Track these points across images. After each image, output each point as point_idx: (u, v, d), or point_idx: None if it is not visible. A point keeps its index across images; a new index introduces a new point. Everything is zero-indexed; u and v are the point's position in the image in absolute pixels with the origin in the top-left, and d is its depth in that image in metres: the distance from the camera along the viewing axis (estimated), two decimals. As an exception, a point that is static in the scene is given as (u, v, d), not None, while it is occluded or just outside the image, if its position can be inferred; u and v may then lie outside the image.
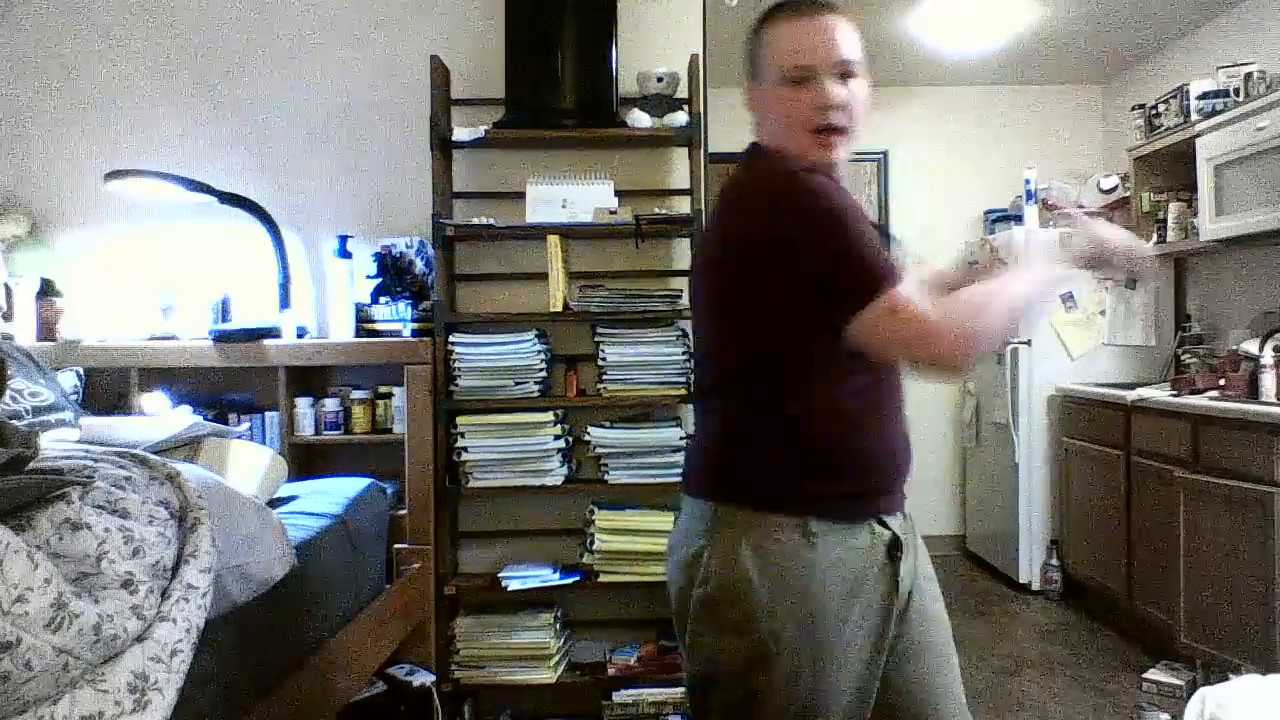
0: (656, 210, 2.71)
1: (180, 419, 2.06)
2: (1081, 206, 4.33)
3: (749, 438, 1.27)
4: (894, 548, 1.26)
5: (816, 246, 1.18)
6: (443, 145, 2.70)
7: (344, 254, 2.74)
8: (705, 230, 1.59)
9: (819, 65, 1.25)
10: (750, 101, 1.35)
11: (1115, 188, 4.26)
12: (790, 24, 1.28)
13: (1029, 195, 4.29)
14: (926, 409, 4.93)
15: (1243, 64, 3.46)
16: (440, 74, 2.71)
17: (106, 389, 2.62)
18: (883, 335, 1.17)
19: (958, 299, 1.23)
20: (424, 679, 2.40)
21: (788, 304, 1.20)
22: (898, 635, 1.28)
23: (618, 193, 2.72)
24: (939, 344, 1.16)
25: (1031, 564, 4.21)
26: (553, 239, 2.64)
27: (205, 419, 2.18)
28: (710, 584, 1.22)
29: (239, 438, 2.20)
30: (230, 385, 2.79)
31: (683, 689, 1.55)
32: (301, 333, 2.77)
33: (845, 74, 1.27)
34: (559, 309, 2.64)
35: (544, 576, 2.66)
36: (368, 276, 2.79)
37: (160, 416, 2.31)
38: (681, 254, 2.88)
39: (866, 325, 1.16)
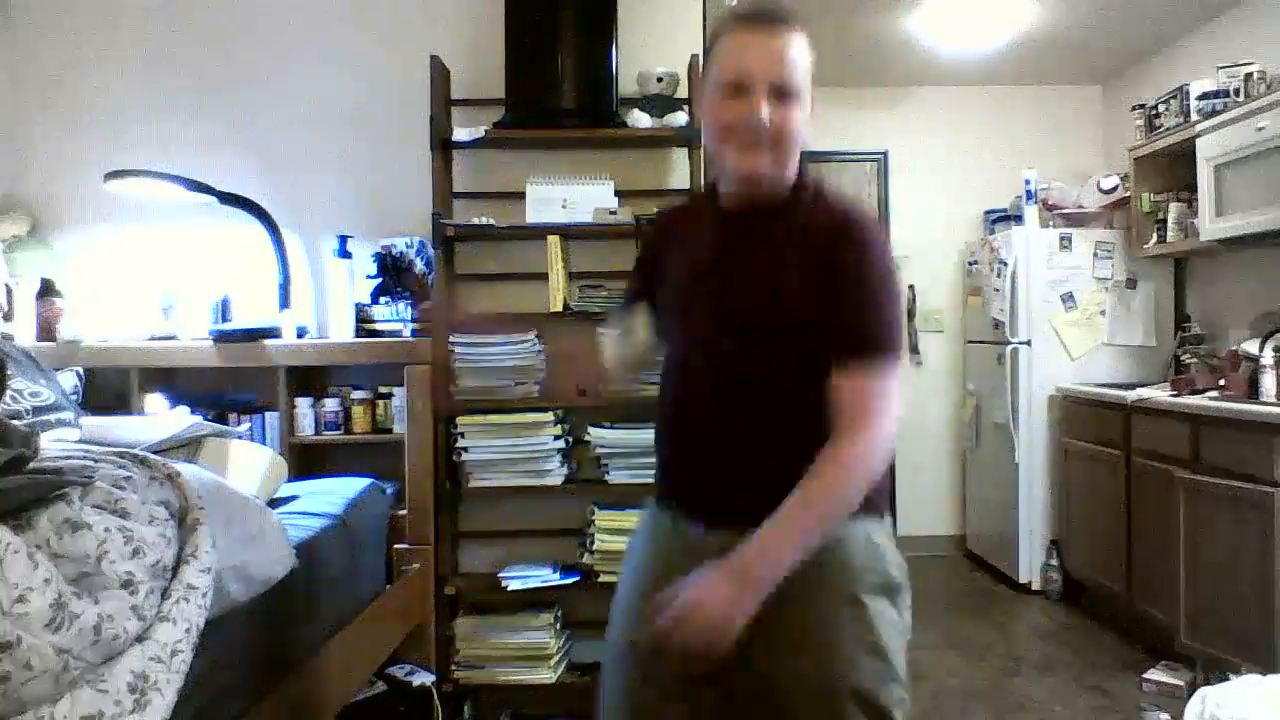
0: (656, 210, 2.70)
1: (180, 419, 2.06)
2: (1082, 207, 4.33)
3: None
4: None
5: None
6: (443, 145, 2.70)
7: (344, 254, 2.74)
8: None
9: (754, 81, 1.25)
10: (697, 95, 1.38)
11: (1115, 188, 4.26)
12: (740, 35, 1.29)
13: (1029, 195, 4.29)
14: (927, 409, 4.93)
15: (1243, 64, 3.46)
16: (440, 74, 2.71)
17: (106, 389, 2.62)
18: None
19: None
20: (424, 679, 2.39)
21: None
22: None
23: (618, 193, 2.72)
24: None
25: (1031, 564, 4.20)
26: (553, 239, 2.63)
27: (205, 419, 2.18)
28: None
29: (239, 438, 2.20)
30: (230, 385, 2.79)
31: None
32: (301, 333, 2.77)
33: (781, 95, 1.26)
34: (559, 309, 2.64)
35: (544, 576, 2.66)
36: (368, 276, 2.79)
37: (159, 416, 2.30)
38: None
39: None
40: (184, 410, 2.40)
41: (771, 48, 1.26)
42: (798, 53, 1.27)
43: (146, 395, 2.50)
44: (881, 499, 1.34)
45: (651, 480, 2.63)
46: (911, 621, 1.34)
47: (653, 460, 2.68)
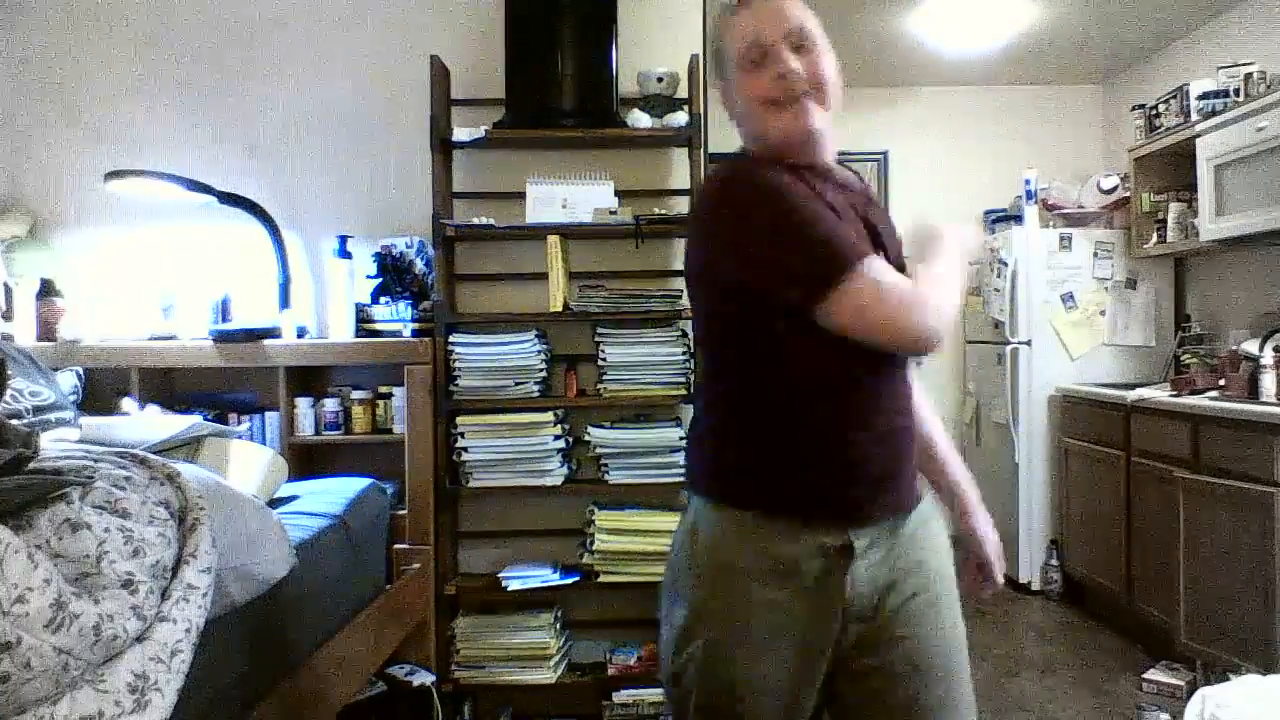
0: (656, 210, 2.71)
1: (180, 419, 2.06)
2: (1082, 207, 4.33)
3: None
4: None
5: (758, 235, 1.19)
6: (443, 145, 2.70)
7: (344, 254, 2.74)
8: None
9: (771, 40, 1.23)
10: (723, 101, 1.34)
11: (1115, 188, 4.26)
12: (742, 12, 1.28)
13: (1029, 195, 4.29)
14: (926, 409, 4.92)
15: (1243, 64, 3.46)
16: (440, 74, 2.71)
17: (106, 389, 2.62)
18: (866, 310, 1.14)
19: (921, 277, 1.23)
20: (424, 679, 2.39)
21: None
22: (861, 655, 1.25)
23: (618, 193, 2.72)
24: (923, 315, 1.15)
25: (1031, 564, 4.21)
26: (553, 239, 2.64)
27: (205, 419, 2.18)
28: None
29: (239, 438, 2.20)
30: (230, 385, 2.79)
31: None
32: (301, 333, 2.77)
33: (799, 46, 1.23)
34: (559, 309, 2.64)
35: (544, 576, 2.66)
36: (368, 276, 2.79)
37: (144, 415, 2.30)
38: (681, 254, 2.87)
39: (844, 302, 1.13)
40: (152, 410, 2.38)
41: (774, 7, 1.26)
42: (802, 8, 1.27)
43: (125, 399, 2.49)
44: None
45: (651, 480, 2.60)
46: None
47: (653, 460, 2.65)
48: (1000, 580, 1.52)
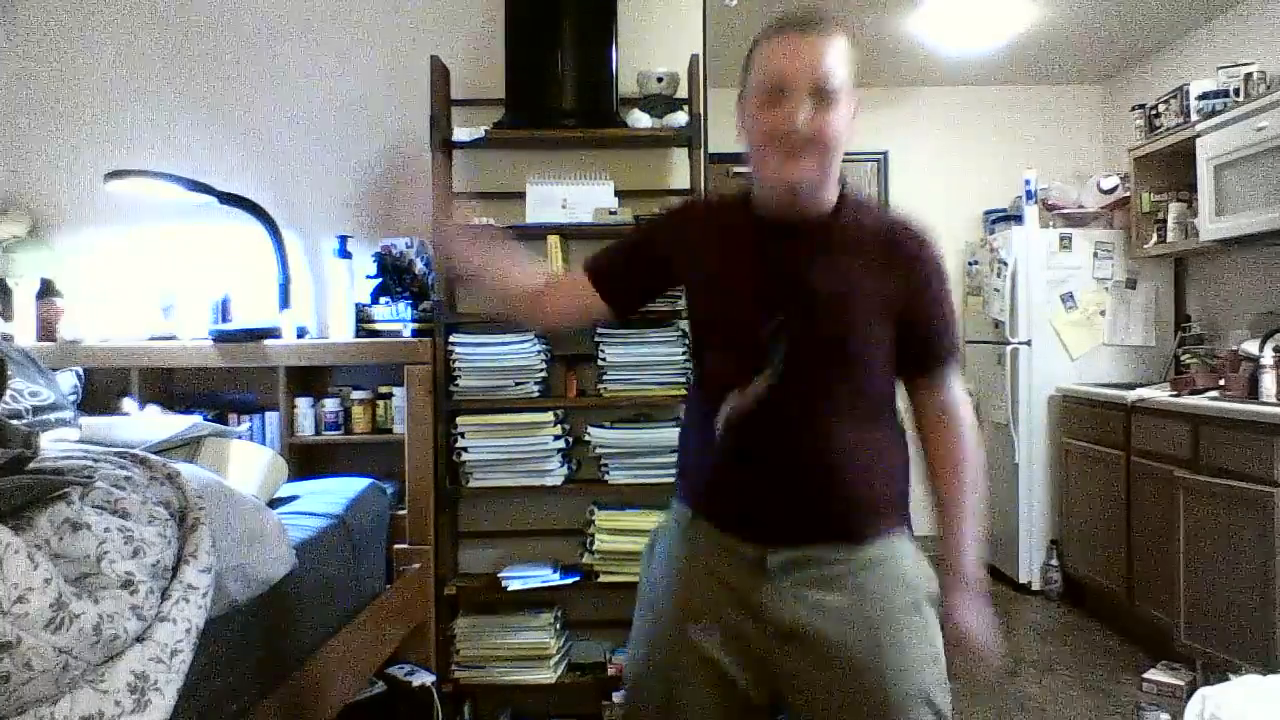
0: (656, 210, 2.70)
1: (180, 419, 2.06)
2: (1082, 207, 4.33)
3: None
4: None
5: None
6: (443, 145, 2.70)
7: (344, 254, 2.74)
8: None
9: (793, 84, 1.23)
10: (737, 110, 1.35)
11: (1115, 188, 4.26)
12: (778, 40, 1.26)
13: (1029, 195, 4.29)
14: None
15: (1243, 64, 3.46)
16: (440, 74, 2.71)
17: (106, 389, 2.62)
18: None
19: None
20: (424, 679, 2.40)
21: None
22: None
23: (618, 193, 2.72)
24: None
25: (1031, 564, 4.21)
26: (553, 239, 2.64)
27: (205, 419, 2.18)
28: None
29: (239, 438, 2.20)
30: (230, 385, 2.79)
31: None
32: (301, 333, 2.76)
33: (822, 99, 1.23)
34: (559, 309, 2.63)
35: (544, 576, 2.66)
36: (368, 276, 2.79)
37: (144, 415, 2.30)
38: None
39: None
40: (152, 410, 2.39)
41: (809, 51, 1.24)
42: (837, 55, 1.25)
43: (122, 398, 2.49)
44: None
45: (651, 480, 2.64)
46: None
47: (653, 460, 2.69)
48: (990, 660, 1.35)
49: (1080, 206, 4.34)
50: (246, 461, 2.01)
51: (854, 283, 1.29)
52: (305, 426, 2.69)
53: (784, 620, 1.28)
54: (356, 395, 2.73)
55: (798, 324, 1.27)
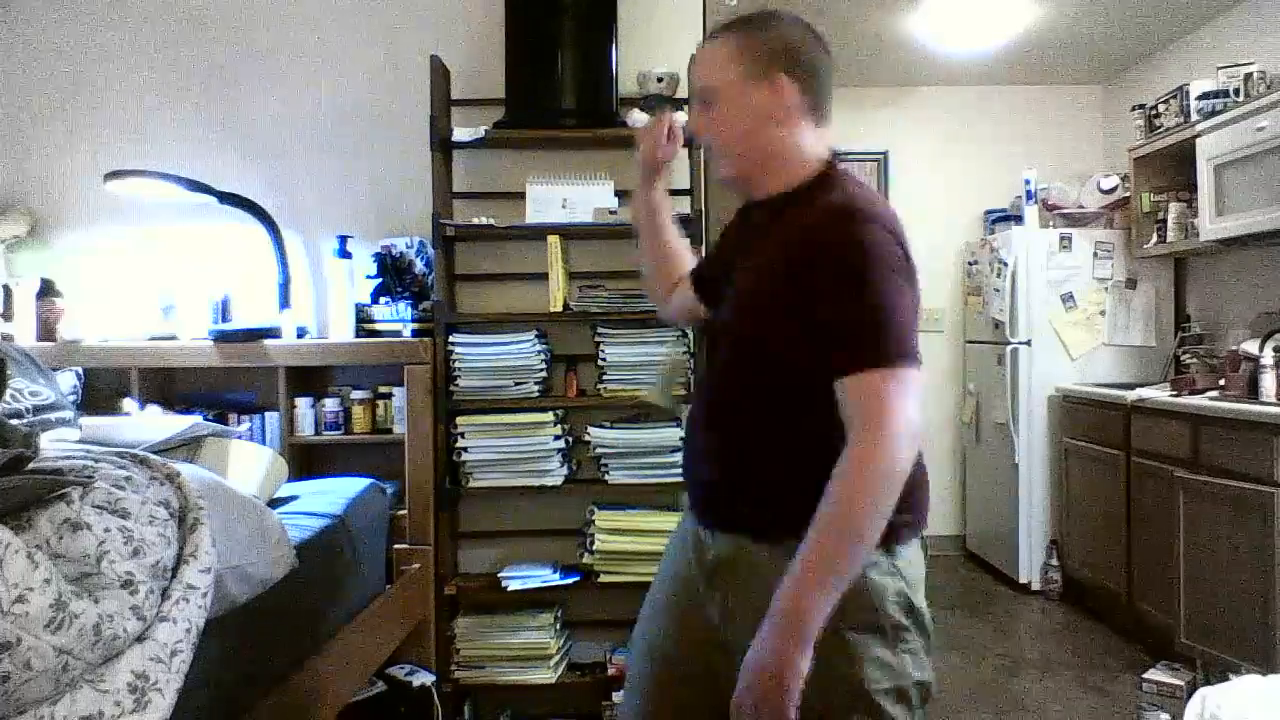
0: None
1: (180, 419, 2.06)
2: (1082, 207, 4.33)
3: None
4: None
5: None
6: (443, 145, 2.70)
7: (344, 254, 2.74)
8: None
9: (691, 93, 1.40)
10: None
11: (1115, 188, 4.26)
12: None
13: (1029, 195, 4.29)
14: (926, 410, 4.91)
15: (1243, 64, 3.46)
16: (440, 74, 2.71)
17: (106, 389, 2.62)
18: None
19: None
20: (424, 679, 2.40)
21: None
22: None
23: (618, 193, 2.72)
24: None
25: (1031, 564, 4.20)
26: (553, 239, 2.64)
27: (205, 419, 2.18)
28: None
29: (239, 438, 2.20)
30: (230, 385, 2.79)
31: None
32: (301, 333, 2.77)
33: (701, 100, 1.34)
34: (559, 309, 2.64)
35: (544, 576, 2.65)
36: (368, 276, 2.79)
37: (144, 415, 2.30)
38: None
39: None
40: (155, 409, 2.39)
41: (697, 61, 1.36)
42: (714, 54, 1.32)
43: (122, 398, 2.50)
44: (892, 527, 1.17)
45: (651, 480, 2.67)
46: (925, 664, 1.25)
47: (653, 460, 2.72)
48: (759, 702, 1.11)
49: (1080, 206, 4.33)
50: (246, 461, 2.01)
51: (764, 278, 1.26)
52: (305, 426, 2.69)
53: (714, 618, 1.31)
54: (356, 395, 2.73)
55: (717, 316, 1.38)
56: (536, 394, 2.67)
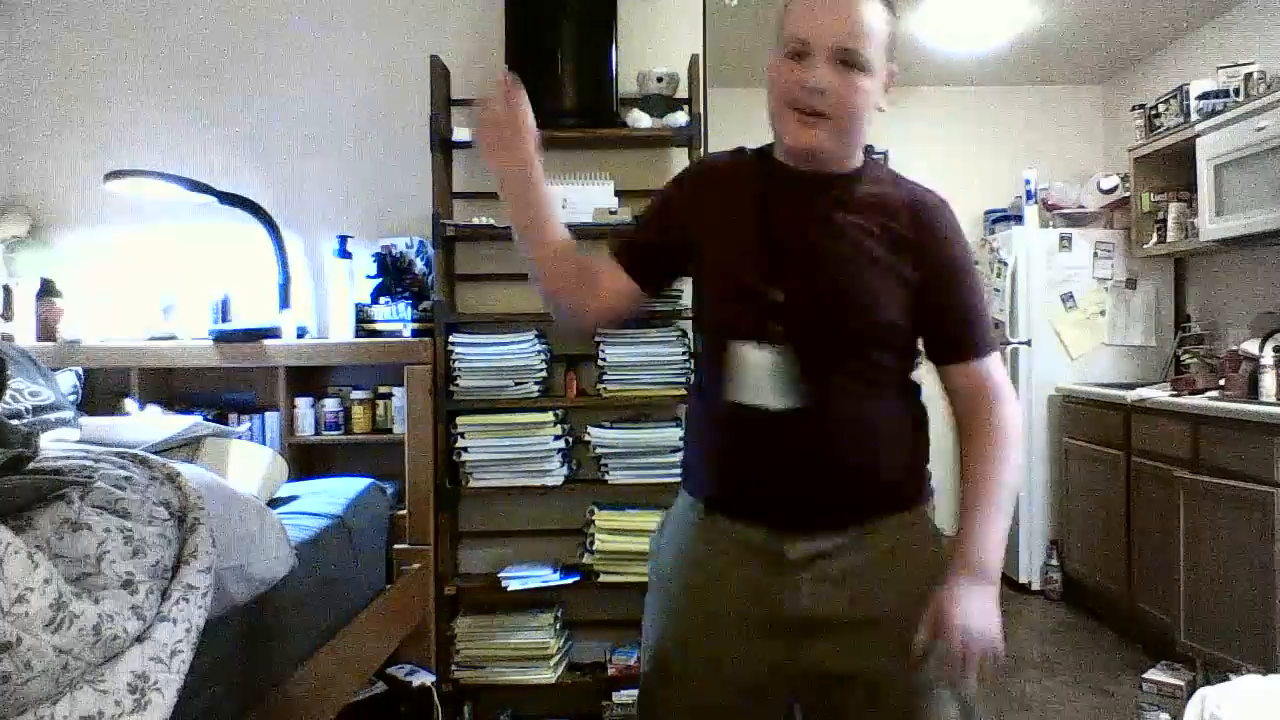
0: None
1: (180, 419, 2.06)
2: (1082, 207, 4.33)
3: None
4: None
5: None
6: (443, 145, 2.70)
7: (344, 254, 2.74)
8: None
9: (816, 43, 1.17)
10: (768, 61, 1.28)
11: (1115, 188, 4.26)
12: None
13: (1029, 195, 4.29)
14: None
15: (1243, 64, 3.46)
16: (440, 74, 2.71)
17: (106, 389, 2.62)
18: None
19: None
20: (424, 679, 2.40)
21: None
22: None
23: (618, 193, 2.72)
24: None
25: (1031, 564, 4.21)
26: (553, 239, 2.63)
27: (205, 419, 2.18)
28: None
29: (239, 438, 2.20)
30: (230, 385, 2.79)
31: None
32: (301, 333, 2.76)
33: (845, 62, 1.17)
34: (559, 309, 2.63)
35: (544, 576, 2.65)
36: (368, 276, 2.79)
37: (144, 415, 2.30)
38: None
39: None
40: (155, 409, 2.39)
41: (839, 10, 1.18)
42: (871, 17, 1.18)
43: (123, 398, 2.50)
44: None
45: (651, 480, 2.63)
46: None
47: (653, 460, 2.67)
48: (976, 652, 1.22)
49: (1080, 206, 4.33)
50: (246, 461, 2.01)
51: (862, 248, 1.23)
52: (305, 426, 2.69)
53: (800, 613, 1.25)
54: (356, 395, 2.74)
55: (799, 286, 1.22)
56: (536, 394, 2.67)
